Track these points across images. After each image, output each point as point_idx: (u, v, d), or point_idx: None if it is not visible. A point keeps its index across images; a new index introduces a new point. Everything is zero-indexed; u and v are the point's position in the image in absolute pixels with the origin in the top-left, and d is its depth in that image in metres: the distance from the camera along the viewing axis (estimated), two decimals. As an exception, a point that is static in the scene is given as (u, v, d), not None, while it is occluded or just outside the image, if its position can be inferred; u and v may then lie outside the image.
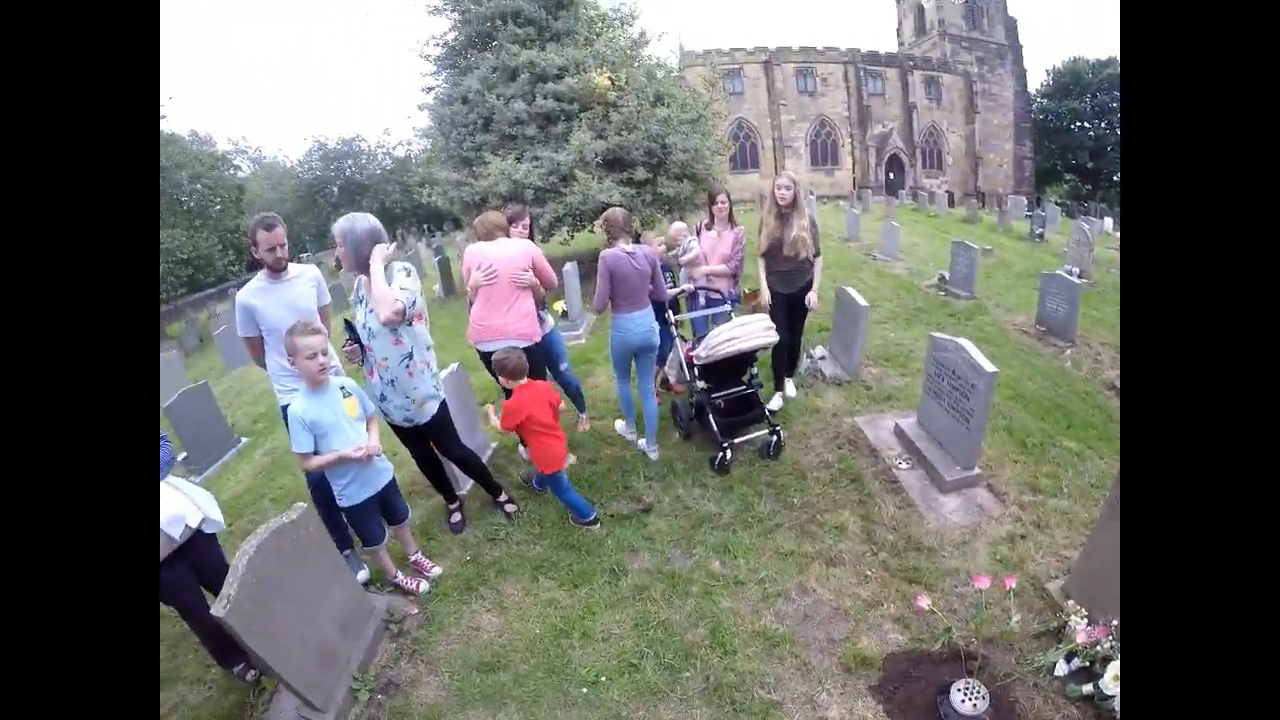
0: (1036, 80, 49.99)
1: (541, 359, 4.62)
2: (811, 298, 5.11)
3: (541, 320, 4.61)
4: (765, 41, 42.39)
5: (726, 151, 16.50)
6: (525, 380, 3.97)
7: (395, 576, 3.67)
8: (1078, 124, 47.94)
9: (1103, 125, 47.62)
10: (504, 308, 4.21)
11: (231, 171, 33.96)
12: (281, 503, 5.10)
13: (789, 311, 5.20)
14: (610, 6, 14.18)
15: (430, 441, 3.90)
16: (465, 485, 4.54)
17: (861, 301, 5.71)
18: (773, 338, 4.52)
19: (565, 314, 8.41)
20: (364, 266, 3.30)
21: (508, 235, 4.43)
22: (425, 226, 40.52)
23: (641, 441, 4.98)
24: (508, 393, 3.98)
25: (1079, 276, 9.52)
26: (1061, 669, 2.65)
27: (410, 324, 3.41)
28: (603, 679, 2.99)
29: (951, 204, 30.80)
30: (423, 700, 3.00)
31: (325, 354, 3.07)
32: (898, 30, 49.04)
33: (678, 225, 6.21)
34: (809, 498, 4.21)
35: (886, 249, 14.00)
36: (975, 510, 3.90)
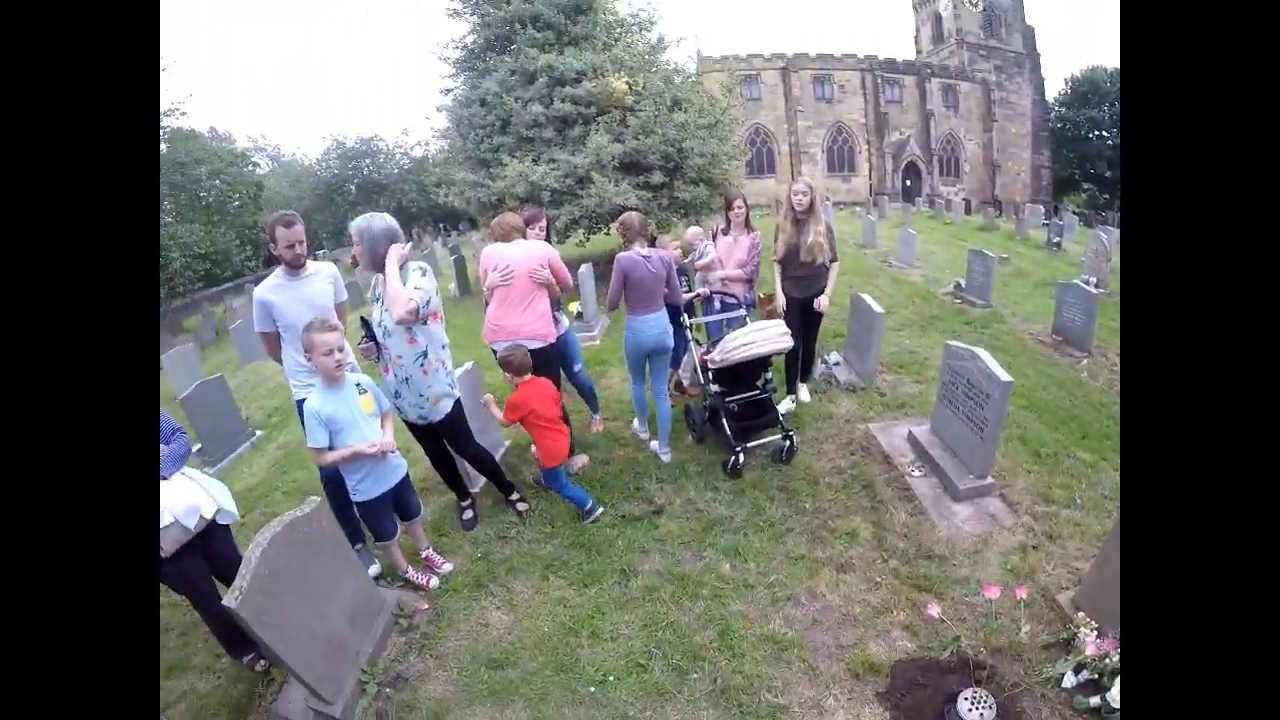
0: (1054, 89, 49.73)
1: (556, 360, 4.64)
2: (821, 301, 5.11)
3: (556, 321, 4.63)
4: (782, 48, 42.52)
5: (743, 157, 16.51)
6: (529, 376, 4.03)
7: (406, 572, 3.70)
8: (1096, 133, 47.51)
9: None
10: (520, 308, 4.24)
11: (250, 168, 34.24)
12: (294, 496, 5.15)
13: (803, 316, 5.20)
14: (629, 12, 14.24)
15: (444, 439, 3.92)
16: (478, 483, 4.57)
17: (877, 308, 5.69)
18: (788, 343, 4.51)
19: (580, 315, 8.43)
20: (380, 265, 3.33)
21: (524, 237, 4.45)
22: (441, 226, 40.72)
23: (654, 443, 4.99)
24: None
25: (1096, 286, 9.44)
26: (1070, 681, 2.64)
27: (425, 323, 3.43)
28: (611, 678, 3.00)
29: (968, 212, 30.64)
30: (431, 695, 3.02)
31: (341, 351, 3.10)
32: (915, 38, 48.87)
33: (693, 230, 6.22)
34: (821, 503, 4.21)
35: (903, 256, 13.92)
36: (987, 519, 3.87)
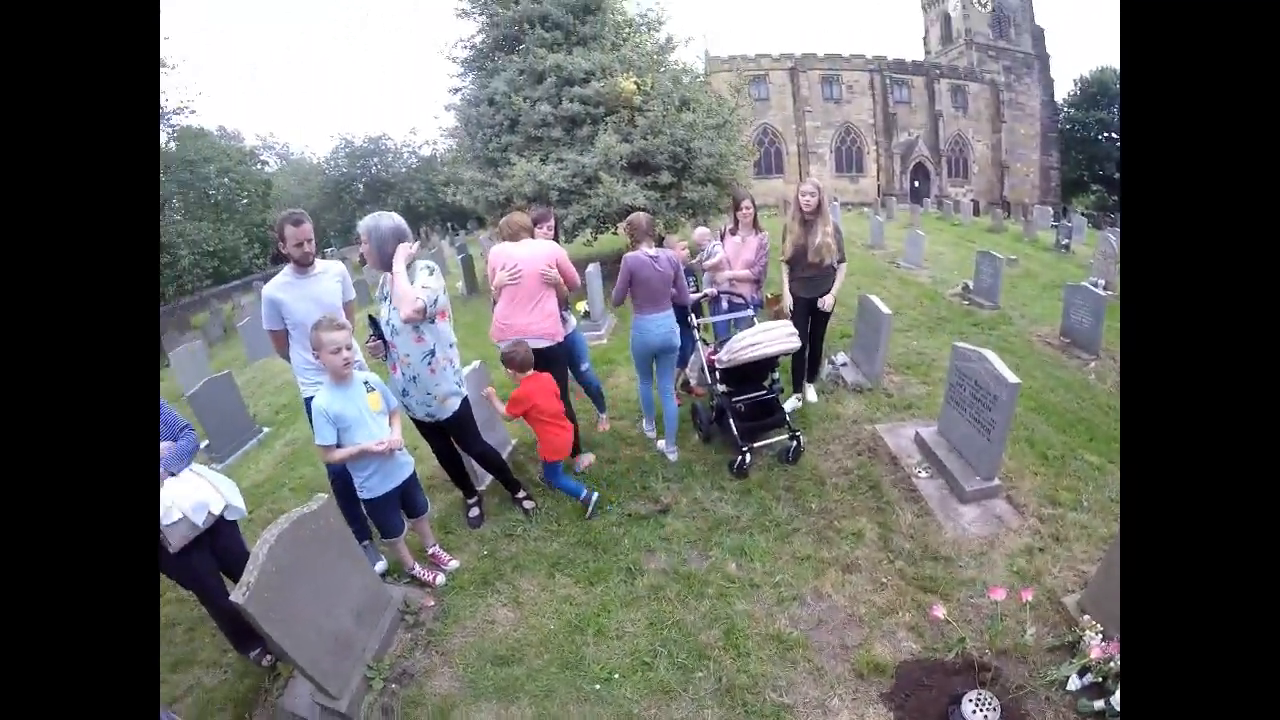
0: (1064, 90, 49.39)
1: (564, 359, 4.65)
2: (826, 300, 5.12)
3: (564, 320, 4.64)
4: (791, 48, 42.49)
5: (751, 157, 16.51)
6: (531, 372, 4.09)
7: (413, 568, 3.71)
8: (1105, 134, 47.23)
9: (1131, 136, 46.85)
10: (528, 307, 4.25)
11: (259, 167, 34.39)
12: (301, 492, 5.17)
13: (810, 316, 5.21)
14: (637, 12, 14.27)
15: (451, 437, 3.94)
16: (484, 481, 4.58)
17: (884, 309, 5.69)
18: (795, 344, 4.51)
19: (587, 314, 8.44)
20: (388, 264, 3.34)
21: (533, 236, 4.46)
22: (449, 225, 40.82)
23: (661, 443, 5.00)
24: None
25: (1104, 289, 9.38)
26: (1074, 684, 2.63)
27: (433, 321, 3.44)
28: (616, 676, 3.00)
29: (977, 213, 30.58)
30: (436, 691, 3.03)
31: (350, 349, 3.12)
32: (924, 38, 48.72)
33: (701, 230, 6.22)
34: (827, 503, 4.20)
35: (911, 257, 13.90)
36: (994, 521, 3.86)
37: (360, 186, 42.24)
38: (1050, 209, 29.01)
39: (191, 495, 2.82)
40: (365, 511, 3.58)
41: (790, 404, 5.47)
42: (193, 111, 25.39)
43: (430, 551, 3.85)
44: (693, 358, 5.33)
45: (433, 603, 3.56)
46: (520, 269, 4.17)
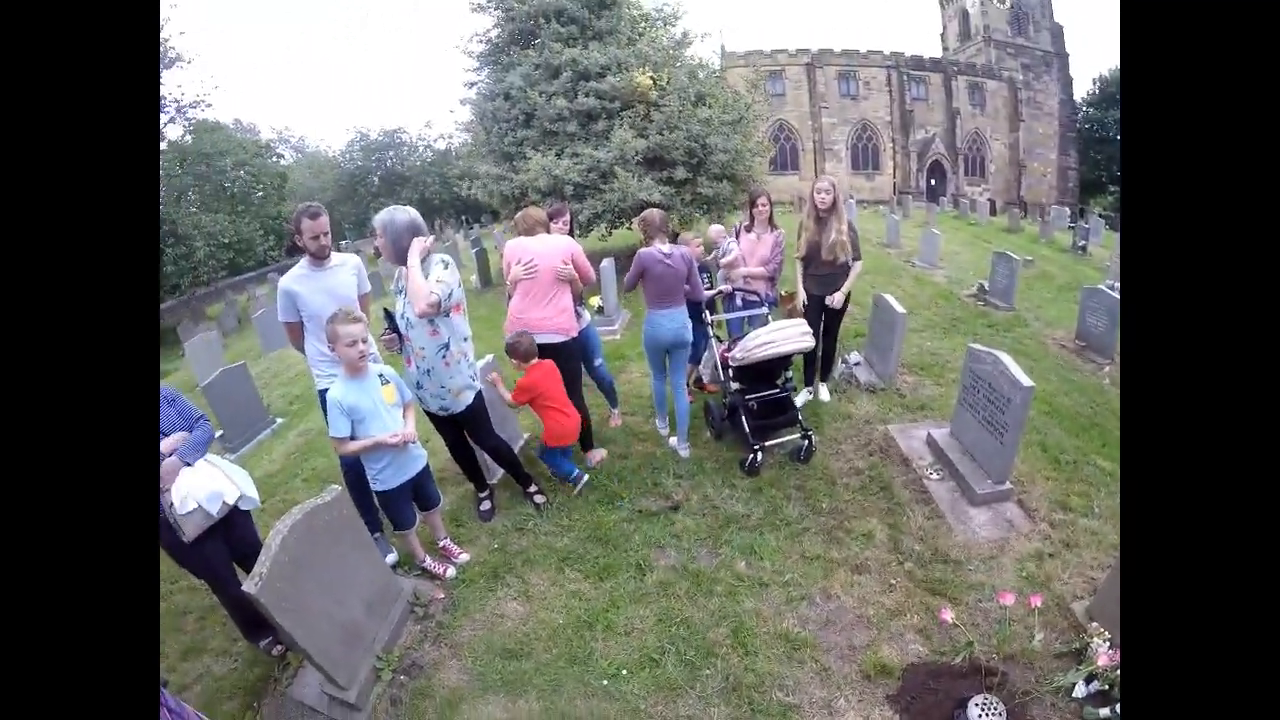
0: (1082, 89, 48.79)
1: (578, 354, 4.67)
2: (835, 297, 5.10)
3: (578, 316, 4.66)
4: (807, 44, 41.99)
5: (766, 153, 16.45)
6: (535, 360, 4.16)
7: (423, 561, 3.74)
8: (1124, 134, 46.64)
9: (1151, 137, 46.21)
10: (543, 302, 4.26)
11: (274, 160, 34.61)
12: (313, 483, 5.21)
13: (824, 314, 5.20)
14: (653, 6, 14.25)
15: (464, 430, 3.96)
16: (496, 475, 4.60)
17: (899, 309, 5.66)
18: (809, 343, 4.50)
19: (601, 310, 8.45)
20: (403, 258, 3.36)
21: (548, 231, 4.47)
22: (463, 218, 40.96)
23: (673, 440, 5.01)
24: None
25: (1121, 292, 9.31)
26: (1080, 690, 2.62)
27: (447, 315, 3.45)
28: (623, 672, 3.02)
29: (993, 213, 30.36)
30: (444, 683, 3.06)
31: (365, 342, 3.14)
32: (942, 35, 48.32)
33: (716, 228, 6.22)
34: (838, 503, 4.20)
35: (926, 256, 13.81)
36: (1004, 525, 3.85)
37: (375, 180, 42.39)
38: (1067, 209, 28.74)
39: (206, 485, 2.84)
40: (377, 503, 3.61)
41: (801, 398, 5.47)
42: (209, 105, 25.64)
43: (441, 544, 3.88)
44: (706, 354, 5.33)
45: (442, 595, 3.58)
46: (536, 264, 4.19)
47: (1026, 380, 3.68)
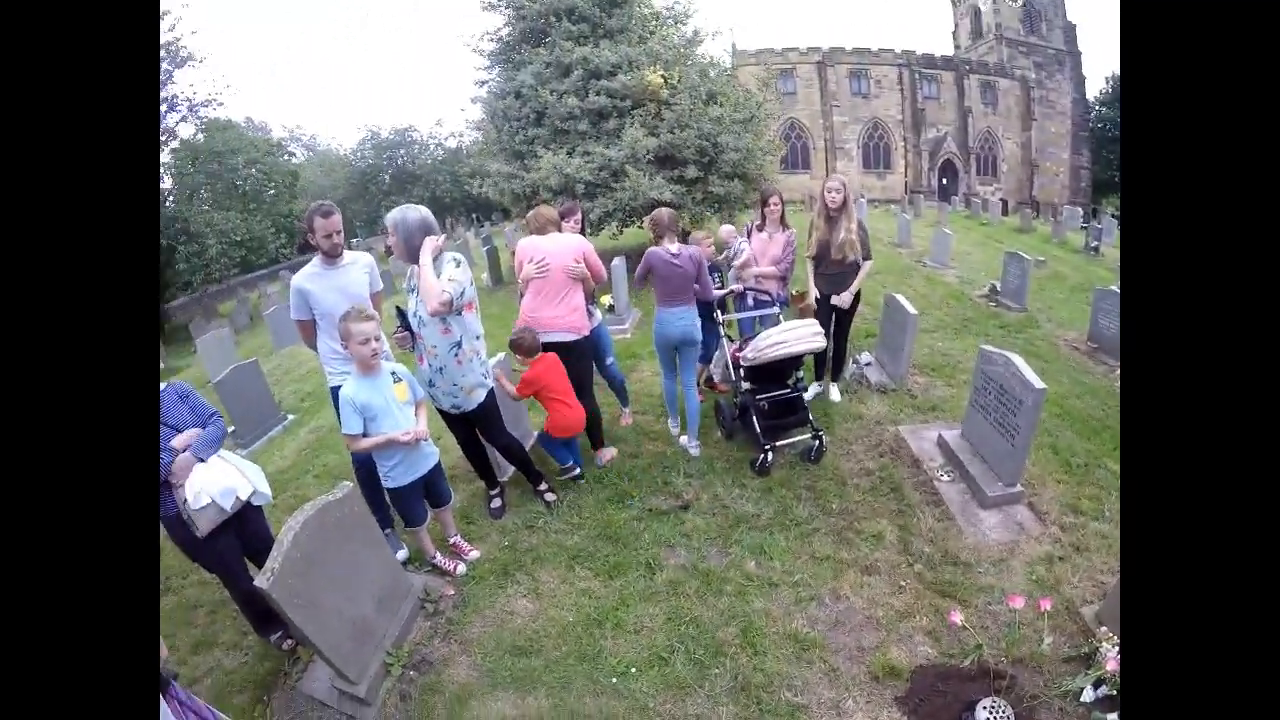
0: (1095, 88, 48.31)
1: (590, 353, 4.68)
2: (844, 297, 5.10)
3: (590, 314, 4.67)
4: (819, 42, 41.87)
5: (778, 152, 16.40)
6: (539, 355, 4.20)
7: (434, 557, 3.76)
8: (1138, 135, 46.12)
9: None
10: (555, 300, 4.28)
11: (286, 158, 34.80)
12: (325, 479, 5.25)
13: (834, 313, 5.20)
14: (664, 5, 14.21)
15: (476, 428, 3.98)
16: (507, 472, 4.62)
17: (910, 309, 5.64)
18: (820, 343, 4.50)
19: (612, 308, 8.46)
20: (415, 257, 3.38)
21: (559, 230, 4.48)
22: (474, 216, 41.07)
23: (683, 438, 5.02)
24: None
25: (1135, 293, 9.20)
26: (1088, 695, 2.61)
27: (459, 313, 3.47)
28: (632, 670, 3.03)
29: (1005, 212, 30.15)
30: (454, 679, 3.08)
31: (377, 340, 3.15)
32: (954, 33, 48.00)
33: (727, 228, 6.22)
34: (848, 504, 4.19)
35: (937, 256, 13.73)
36: (1015, 528, 3.83)
37: (386, 178, 42.55)
38: (1080, 210, 28.53)
39: (220, 481, 2.87)
40: (389, 499, 3.64)
41: (812, 391, 5.48)
42: (221, 104, 25.83)
43: (452, 541, 3.90)
44: (716, 354, 5.33)
45: (453, 592, 3.60)
46: (548, 263, 4.20)
47: (1038, 382, 3.66)
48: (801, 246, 5.32)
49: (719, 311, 4.99)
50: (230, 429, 6.56)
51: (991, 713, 2.51)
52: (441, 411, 3.83)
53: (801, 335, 4.41)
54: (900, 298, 5.88)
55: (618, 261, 9.14)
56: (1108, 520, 3.87)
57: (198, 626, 3.69)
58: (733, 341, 5.01)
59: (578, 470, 4.55)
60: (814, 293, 5.21)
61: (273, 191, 30.45)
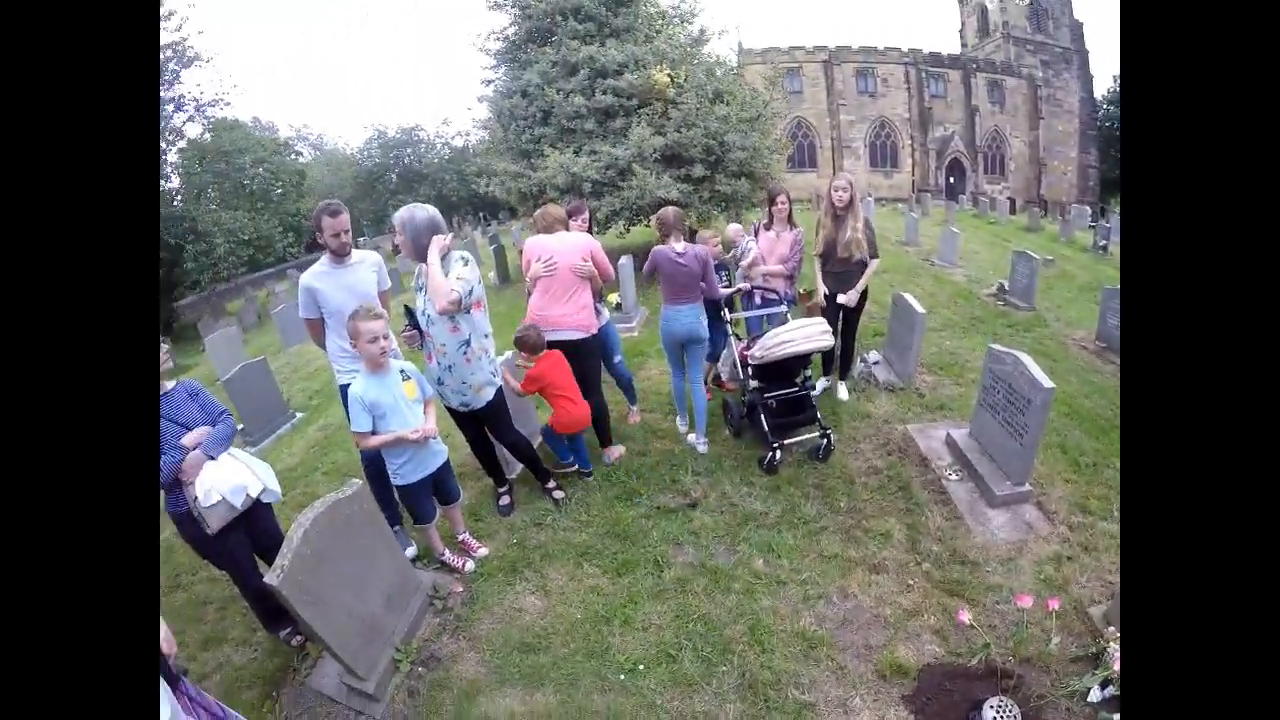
0: (1103, 86, 48.03)
1: (598, 351, 4.69)
2: (850, 295, 5.10)
3: (597, 312, 4.68)
4: (825, 40, 41.85)
5: (784, 150, 16.38)
6: (544, 352, 4.22)
7: (443, 554, 3.77)
8: (1147, 133, 45.83)
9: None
10: (563, 299, 4.29)
11: (293, 157, 34.92)
12: (333, 477, 5.27)
13: (841, 311, 5.20)
14: (670, 3, 14.22)
15: (485, 426, 3.99)
16: (515, 470, 4.64)
17: (919, 308, 5.63)
18: (828, 342, 4.50)
19: (619, 306, 8.46)
20: (423, 256, 3.39)
21: (567, 229, 4.49)
22: (481, 215, 41.12)
23: (691, 436, 5.03)
24: None
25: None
26: (1095, 695, 2.61)
27: (468, 312, 3.48)
28: (640, 667, 3.03)
29: (1013, 211, 30.05)
30: (462, 675, 3.09)
31: (386, 338, 3.16)
32: (960, 31, 47.83)
33: (734, 226, 6.22)
34: (856, 503, 4.19)
35: (945, 255, 13.70)
36: (1023, 527, 3.82)
37: (393, 177, 42.65)
38: (1088, 208, 28.29)
39: (230, 478, 2.88)
40: (398, 497, 3.65)
41: (820, 385, 5.51)
42: (228, 104, 25.93)
43: (460, 538, 3.91)
44: (724, 353, 5.34)
45: (461, 589, 3.62)
46: (555, 261, 4.21)
47: (1047, 381, 3.65)
48: (809, 245, 5.32)
49: (727, 310, 5.00)
50: (239, 427, 6.58)
51: (998, 712, 2.51)
52: (450, 409, 3.85)
53: (809, 334, 4.40)
54: (908, 297, 5.87)
55: (625, 260, 9.14)
56: (1116, 520, 3.85)
57: (207, 623, 3.72)
58: (740, 340, 5.01)
59: (576, 466, 4.59)
60: (823, 290, 5.21)
61: (280, 190, 30.60)
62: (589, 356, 4.48)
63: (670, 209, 4.62)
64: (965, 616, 2.76)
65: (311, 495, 4.46)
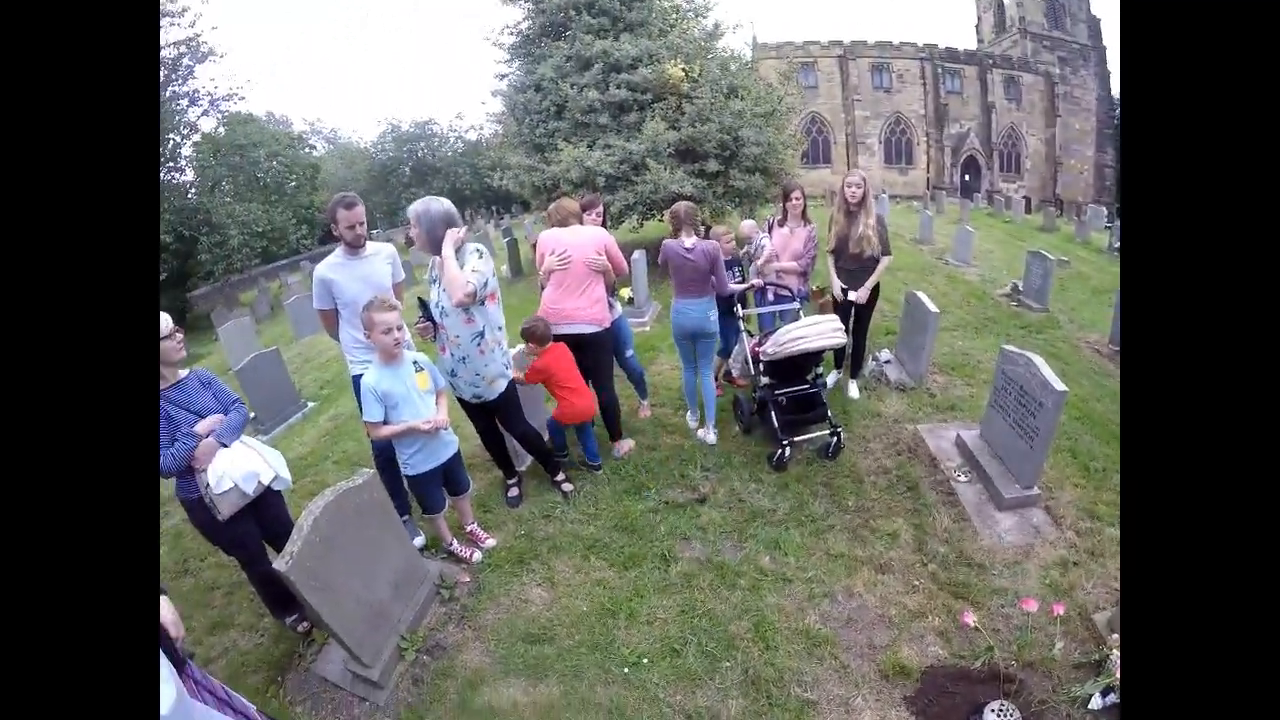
0: (1120, 84, 47.51)
1: (611, 345, 4.71)
2: (860, 292, 5.10)
3: (610, 306, 4.69)
4: (840, 35, 41.42)
5: (799, 146, 16.29)
6: (550, 344, 4.24)
7: (450, 544, 3.81)
8: (1166, 133, 45.32)
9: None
10: (576, 292, 4.30)
11: (307, 151, 35.11)
12: (344, 466, 5.32)
13: (852, 309, 5.20)
14: (684, -2, 14.15)
15: (495, 417, 4.02)
16: (525, 462, 4.67)
17: (932, 307, 5.59)
18: (841, 339, 4.50)
19: (631, 300, 8.46)
20: (437, 248, 3.41)
21: (581, 222, 4.51)
22: (494, 208, 41.20)
23: (701, 431, 5.05)
24: None
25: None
26: (1096, 703, 2.60)
27: (482, 304, 3.50)
28: (644, 660, 3.05)
29: (1028, 210, 29.82)
30: (467, 664, 3.12)
31: (400, 329, 3.19)
32: (977, 27, 47.41)
33: (748, 222, 6.21)
34: (864, 502, 4.19)
35: (959, 254, 13.61)
36: (1030, 531, 3.80)
37: (407, 170, 42.78)
38: (1104, 208, 27.97)
39: (242, 466, 2.92)
40: (408, 487, 3.68)
41: (831, 379, 5.54)
42: (242, 98, 26.12)
43: (468, 529, 3.94)
44: (736, 349, 5.33)
45: (468, 579, 3.65)
46: (569, 255, 4.23)
47: (1059, 384, 3.62)
48: (823, 241, 5.31)
49: (739, 306, 4.99)
50: (251, 415, 6.64)
51: (1000, 716, 2.51)
52: (462, 401, 3.87)
53: (822, 330, 4.40)
54: (921, 295, 5.84)
55: (638, 254, 9.13)
56: (1123, 526, 3.83)
57: (214, 608, 3.77)
58: (752, 336, 5.01)
59: (569, 459, 4.66)
60: (838, 286, 5.20)
61: (294, 183, 30.88)
62: (602, 350, 4.49)
63: (683, 204, 4.62)
64: (970, 619, 2.75)
65: (321, 484, 4.49)
